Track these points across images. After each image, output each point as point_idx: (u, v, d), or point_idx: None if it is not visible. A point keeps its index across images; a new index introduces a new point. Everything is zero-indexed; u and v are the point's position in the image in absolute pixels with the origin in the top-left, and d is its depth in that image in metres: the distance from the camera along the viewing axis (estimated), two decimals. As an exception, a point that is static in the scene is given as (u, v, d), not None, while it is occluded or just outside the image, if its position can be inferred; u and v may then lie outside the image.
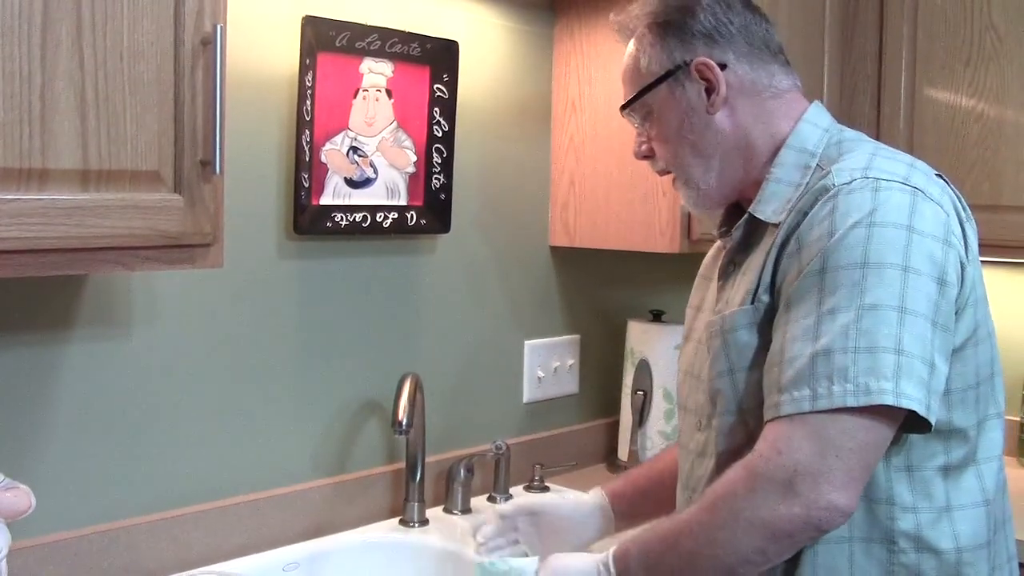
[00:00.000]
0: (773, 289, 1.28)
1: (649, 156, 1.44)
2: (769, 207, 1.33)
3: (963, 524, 1.26)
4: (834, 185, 1.25)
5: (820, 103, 1.42)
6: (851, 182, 1.24)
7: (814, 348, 1.18)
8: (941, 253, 1.21)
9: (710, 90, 1.36)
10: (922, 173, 1.28)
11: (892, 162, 1.28)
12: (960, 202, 1.32)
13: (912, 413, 1.16)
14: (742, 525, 1.18)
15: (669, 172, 1.44)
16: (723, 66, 1.36)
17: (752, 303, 1.30)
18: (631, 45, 1.43)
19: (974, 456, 1.28)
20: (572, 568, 1.34)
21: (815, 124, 1.38)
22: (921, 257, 1.19)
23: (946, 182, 1.32)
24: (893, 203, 1.21)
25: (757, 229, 1.36)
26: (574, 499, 1.64)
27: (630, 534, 1.35)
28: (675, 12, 1.38)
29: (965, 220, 1.30)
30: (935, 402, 1.18)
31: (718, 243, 1.52)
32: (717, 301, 1.39)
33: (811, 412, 1.16)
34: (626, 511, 1.60)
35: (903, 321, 1.16)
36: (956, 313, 1.24)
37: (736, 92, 1.37)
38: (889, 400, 1.14)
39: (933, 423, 1.18)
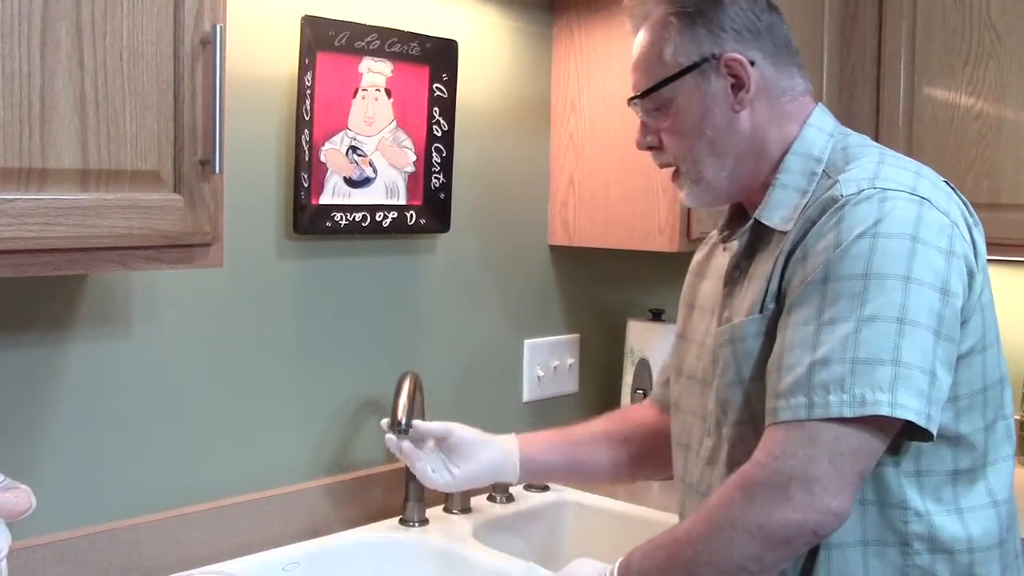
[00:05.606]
0: (779, 297, 1.28)
1: (655, 147, 1.40)
2: (776, 214, 1.32)
3: (975, 525, 1.26)
4: (841, 196, 1.24)
5: (823, 105, 1.40)
6: (859, 193, 1.23)
7: (812, 357, 1.18)
8: (945, 264, 1.20)
9: (737, 87, 1.33)
10: (928, 181, 1.28)
11: (899, 171, 1.27)
12: (967, 207, 1.31)
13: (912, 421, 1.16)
14: (739, 531, 1.19)
15: (672, 166, 1.39)
16: (751, 64, 1.34)
17: (760, 312, 1.29)
18: (645, 33, 1.38)
19: (983, 459, 1.28)
20: (581, 573, 1.36)
21: (820, 128, 1.36)
22: (924, 268, 1.19)
23: (952, 189, 1.31)
24: (899, 214, 1.21)
25: (762, 235, 1.35)
26: (485, 435, 1.63)
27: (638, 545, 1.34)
28: (705, 2, 1.34)
29: (973, 225, 1.30)
30: (936, 411, 1.18)
31: (712, 240, 1.51)
32: (724, 308, 1.38)
33: (807, 419, 1.17)
34: (534, 457, 1.61)
35: (902, 332, 1.16)
36: (963, 322, 1.23)
37: (760, 92, 1.34)
38: (885, 411, 1.15)
39: (935, 432, 1.17)
